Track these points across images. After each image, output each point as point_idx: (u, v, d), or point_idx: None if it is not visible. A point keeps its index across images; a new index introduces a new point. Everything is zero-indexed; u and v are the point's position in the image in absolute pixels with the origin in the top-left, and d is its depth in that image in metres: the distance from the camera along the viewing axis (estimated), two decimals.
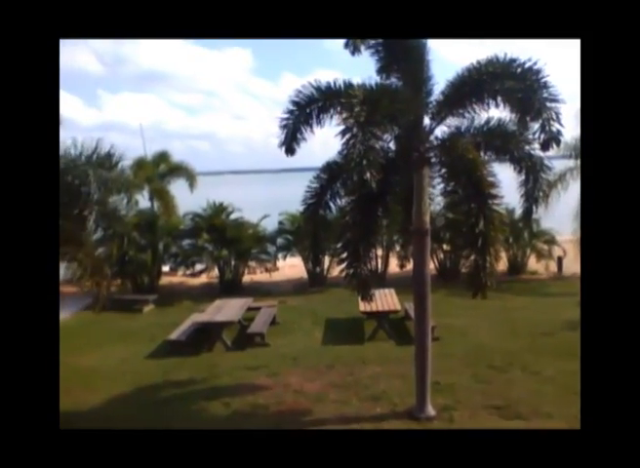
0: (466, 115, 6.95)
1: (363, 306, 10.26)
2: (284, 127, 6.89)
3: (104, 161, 7.54)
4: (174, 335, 10.83)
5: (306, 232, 8.50)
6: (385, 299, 11.41)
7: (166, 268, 17.78)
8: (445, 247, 16.25)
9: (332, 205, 7.40)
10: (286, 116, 6.87)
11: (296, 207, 16.57)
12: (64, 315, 14.32)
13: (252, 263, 16.73)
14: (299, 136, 6.92)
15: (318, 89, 6.75)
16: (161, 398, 8.35)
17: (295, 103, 6.83)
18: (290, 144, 6.91)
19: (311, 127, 6.94)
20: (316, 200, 7.37)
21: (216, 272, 16.40)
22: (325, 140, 8.01)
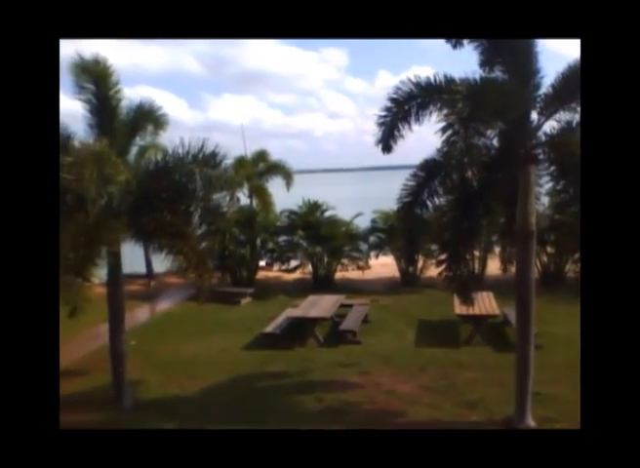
0: (578, 109, 6.48)
1: (459, 309, 9.93)
2: (381, 124, 6.83)
3: (209, 160, 7.90)
4: (269, 328, 11.17)
5: (401, 231, 8.39)
6: (483, 303, 10.96)
7: (262, 263, 18.39)
8: (549, 250, 15.30)
9: (429, 204, 7.22)
10: (384, 113, 6.80)
11: (388, 205, 16.48)
12: (169, 304, 15.34)
13: (344, 261, 16.85)
14: (396, 133, 6.83)
15: (418, 85, 6.61)
16: (257, 388, 8.65)
17: (393, 100, 6.74)
18: (387, 142, 6.84)
19: (409, 124, 6.82)
20: (412, 198, 7.24)
21: (309, 268, 16.71)
22: (419, 138, 7.85)
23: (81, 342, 11.41)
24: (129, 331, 8.85)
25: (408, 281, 16.14)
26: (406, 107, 6.70)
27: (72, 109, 8.56)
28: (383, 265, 17.90)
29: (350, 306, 12.57)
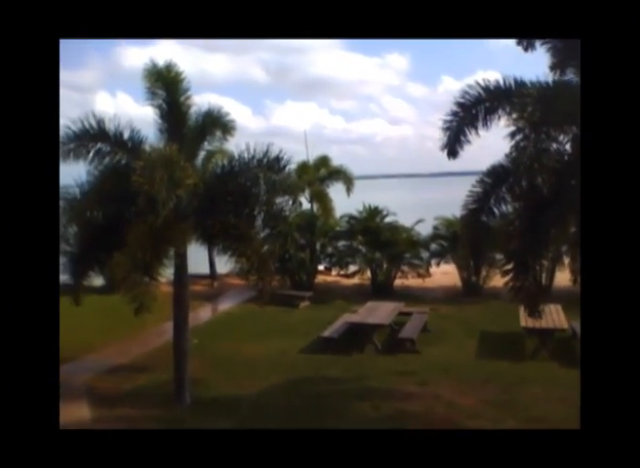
0: None
1: (525, 321, 9.54)
2: (447, 129, 6.69)
3: (274, 164, 8.04)
4: (327, 333, 11.18)
5: (466, 239, 8.15)
6: (551, 316, 10.47)
7: (321, 267, 18.47)
8: None
9: (495, 211, 6.98)
10: (450, 118, 6.67)
11: (451, 211, 16.12)
12: (230, 305, 15.71)
13: (404, 268, 16.62)
14: (462, 138, 6.68)
15: (486, 88, 6.44)
16: (314, 392, 8.67)
17: (460, 105, 6.60)
18: (453, 147, 6.69)
19: (476, 129, 6.65)
20: (478, 205, 7.02)
21: (368, 274, 16.61)
22: (483, 143, 7.63)
23: (146, 339, 11.90)
24: (191, 329, 9.11)
25: (470, 290, 15.70)
26: (473, 111, 6.54)
27: (144, 115, 8.95)
28: (445, 273, 17.52)
29: (409, 314, 12.37)
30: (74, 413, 7.83)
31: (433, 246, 16.59)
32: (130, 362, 10.46)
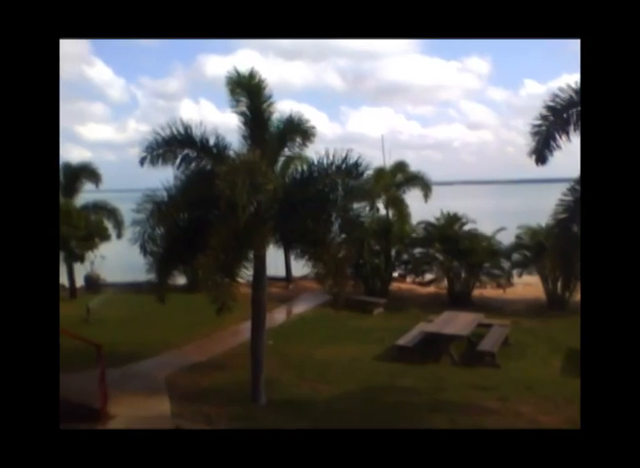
0: None
1: None
2: (536, 134, 6.40)
3: (352, 170, 8.04)
4: (402, 341, 11.00)
5: (554, 250, 7.72)
6: None
7: (396, 274, 18.24)
8: None
9: None
10: (539, 122, 6.37)
11: (535, 220, 15.35)
12: (305, 308, 15.88)
13: (483, 277, 16.04)
14: (552, 143, 6.35)
15: (578, 91, 6.07)
16: (387, 401, 8.54)
17: (550, 108, 6.30)
18: (542, 152, 6.39)
19: (567, 134, 6.29)
20: (569, 215, 6.64)
21: (445, 283, 16.18)
22: (569, 149, 7.18)
23: (223, 338, 12.29)
24: (267, 331, 9.29)
25: (555, 303, 14.86)
26: (564, 115, 6.21)
27: (226, 121, 9.24)
28: (527, 285, 16.71)
29: (489, 326, 11.90)
30: (156, 407, 8.22)
31: (515, 255, 15.87)
32: (208, 359, 10.83)
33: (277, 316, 14.82)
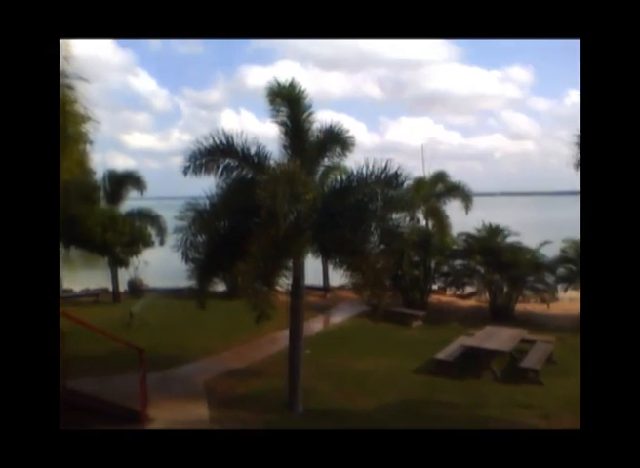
0: None
1: None
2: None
3: (392, 180, 8.00)
4: (441, 355, 10.79)
5: None
6: None
7: (435, 286, 17.96)
8: None
9: None
10: None
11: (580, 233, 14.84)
12: (342, 318, 15.82)
13: (526, 292, 15.59)
14: None
15: None
16: (426, 415, 8.36)
17: None
18: None
19: None
20: None
21: (486, 296, 15.82)
22: None
23: (261, 345, 12.37)
24: (304, 339, 9.28)
25: None
26: None
27: (268, 131, 9.36)
28: (573, 300, 16.10)
29: (532, 342, 11.54)
30: (194, 412, 8.32)
31: (560, 270, 15.36)
32: (246, 366, 10.92)
33: (314, 325, 14.81)
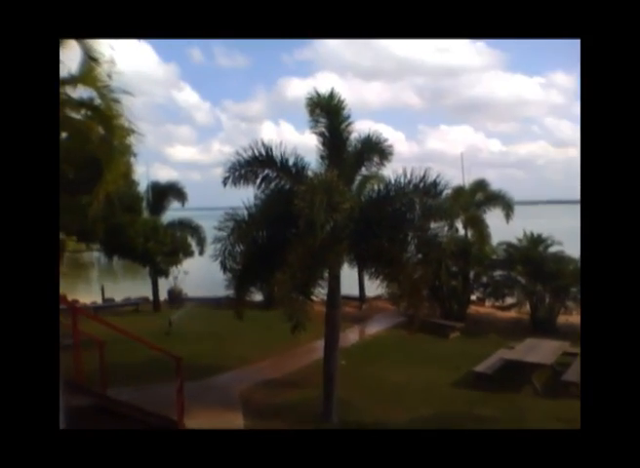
0: None
1: None
2: None
3: (430, 189, 7.92)
4: (480, 368, 10.55)
5: None
6: None
7: (474, 297, 17.60)
8: None
9: None
10: None
11: None
12: (378, 329, 15.68)
13: (569, 303, 15.08)
14: None
15: None
16: (465, 429, 8.18)
17: None
18: None
19: None
20: None
21: (527, 308, 15.40)
22: None
23: (297, 356, 12.38)
24: (340, 350, 9.24)
25: None
26: None
27: (306, 142, 9.43)
28: None
29: (575, 355, 11.14)
30: (230, 421, 8.39)
31: None
32: (282, 376, 10.94)
33: (350, 336, 14.73)
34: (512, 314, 16.16)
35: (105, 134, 6.63)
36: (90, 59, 6.35)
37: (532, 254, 15.21)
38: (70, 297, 17.19)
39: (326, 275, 7.94)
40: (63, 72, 6.49)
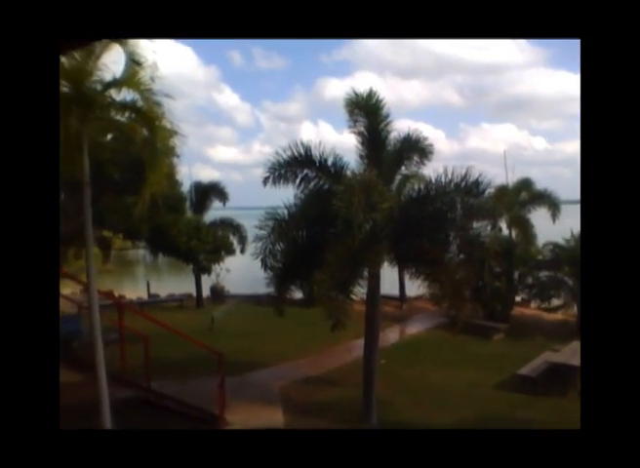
0: None
1: None
2: None
3: (472, 188, 7.79)
4: (524, 370, 10.29)
5: None
6: None
7: (519, 298, 17.16)
8: None
9: None
10: None
11: None
12: (418, 329, 15.52)
13: None
14: None
15: None
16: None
17: None
18: None
19: None
20: None
21: (574, 310, 14.89)
22: None
23: (336, 354, 12.41)
24: (380, 349, 9.20)
25: None
26: None
27: (345, 142, 9.42)
28: None
29: None
30: (270, 417, 8.49)
31: None
32: (321, 374, 10.99)
33: (390, 335, 14.64)
34: (558, 316, 15.70)
35: (149, 135, 6.81)
36: (133, 63, 6.55)
37: (580, 255, 14.70)
38: (117, 293, 17.80)
39: (366, 274, 7.93)
40: (108, 76, 6.71)
